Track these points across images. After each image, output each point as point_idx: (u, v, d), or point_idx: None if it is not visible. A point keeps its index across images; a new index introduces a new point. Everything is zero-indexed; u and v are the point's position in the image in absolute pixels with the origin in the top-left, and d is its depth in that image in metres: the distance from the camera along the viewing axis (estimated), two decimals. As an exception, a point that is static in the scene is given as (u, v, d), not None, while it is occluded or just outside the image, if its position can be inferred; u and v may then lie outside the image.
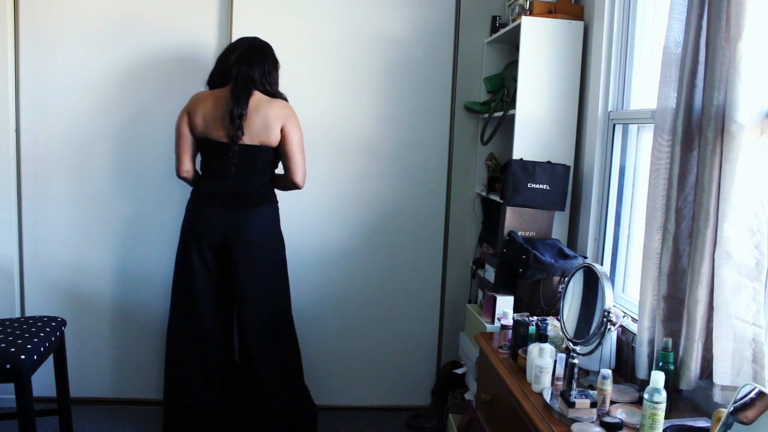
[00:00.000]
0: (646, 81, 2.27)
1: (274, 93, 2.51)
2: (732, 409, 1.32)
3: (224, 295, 2.57)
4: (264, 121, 2.41)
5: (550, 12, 2.53)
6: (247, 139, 2.41)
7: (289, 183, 2.55)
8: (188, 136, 2.49)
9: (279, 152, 2.50)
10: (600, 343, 1.72)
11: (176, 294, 2.58)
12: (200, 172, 2.59)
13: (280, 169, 2.59)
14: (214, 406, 2.60)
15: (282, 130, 2.44)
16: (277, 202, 2.59)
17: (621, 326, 1.99)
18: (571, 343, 1.77)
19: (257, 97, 2.44)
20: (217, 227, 2.47)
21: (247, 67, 2.43)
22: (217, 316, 2.57)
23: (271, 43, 2.55)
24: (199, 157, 2.59)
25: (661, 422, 1.46)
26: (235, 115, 2.36)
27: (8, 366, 2.05)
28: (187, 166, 2.52)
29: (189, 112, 2.47)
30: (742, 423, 1.29)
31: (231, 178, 2.45)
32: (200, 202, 2.49)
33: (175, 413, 2.61)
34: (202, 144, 2.49)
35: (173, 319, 2.59)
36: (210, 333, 2.55)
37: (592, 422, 1.56)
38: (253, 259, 2.49)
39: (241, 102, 2.37)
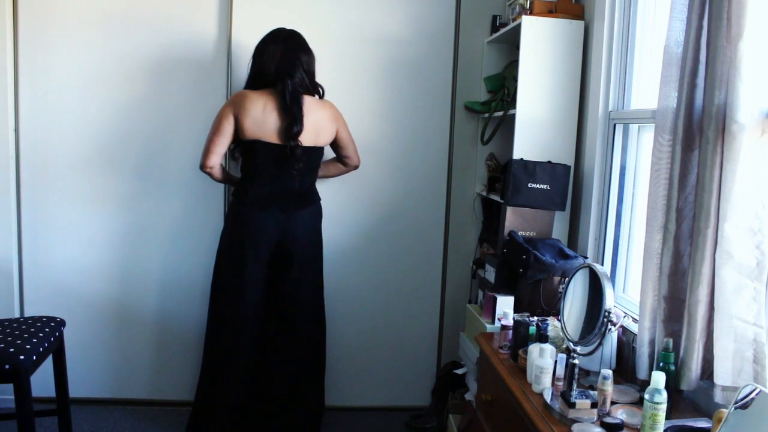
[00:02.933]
0: (647, 81, 2.26)
1: (315, 89, 2.56)
2: (733, 409, 1.32)
3: (269, 295, 2.62)
4: (317, 125, 2.49)
5: (551, 11, 2.52)
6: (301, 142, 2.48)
7: (350, 168, 2.77)
8: (230, 136, 2.47)
9: (334, 145, 2.68)
10: (600, 344, 1.72)
11: (224, 298, 2.58)
12: (242, 174, 2.58)
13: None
14: (242, 405, 2.65)
15: (336, 130, 2.61)
16: (320, 199, 2.70)
17: (621, 326, 1.99)
18: (571, 344, 1.77)
19: (305, 101, 2.48)
20: (274, 229, 2.51)
21: (292, 79, 2.43)
22: (260, 318, 2.61)
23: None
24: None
25: (661, 423, 1.45)
26: (294, 132, 2.42)
27: (7, 366, 2.05)
28: (214, 161, 2.50)
29: (236, 113, 2.44)
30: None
31: (287, 181, 2.49)
32: (254, 205, 2.49)
33: (208, 413, 2.62)
34: (250, 146, 2.47)
35: (218, 322, 2.60)
36: (254, 334, 2.60)
37: (593, 423, 1.56)
38: (306, 258, 2.60)
39: (298, 120, 2.42)
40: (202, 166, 2.52)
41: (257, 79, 2.50)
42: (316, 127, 2.49)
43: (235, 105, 2.45)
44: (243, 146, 2.50)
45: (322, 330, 2.76)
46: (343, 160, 2.73)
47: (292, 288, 2.60)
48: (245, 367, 2.61)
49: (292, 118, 2.42)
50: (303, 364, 2.67)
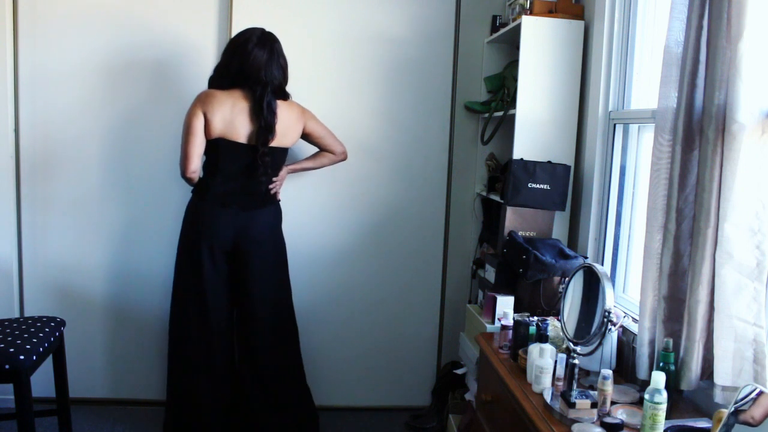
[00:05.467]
0: (647, 81, 2.26)
1: (284, 93, 2.53)
2: (733, 409, 1.32)
3: (229, 294, 2.59)
4: (282, 125, 2.47)
5: (551, 11, 2.52)
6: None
7: (338, 155, 2.73)
8: (202, 136, 2.43)
9: (312, 140, 2.68)
10: (600, 344, 1.72)
11: (182, 296, 2.56)
12: (204, 171, 2.55)
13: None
14: (220, 406, 2.61)
15: (304, 127, 2.60)
16: (279, 200, 2.66)
17: (621, 326, 1.99)
18: (571, 344, 1.77)
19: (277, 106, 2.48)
20: (230, 227, 2.49)
21: (272, 87, 2.43)
22: (223, 317, 2.58)
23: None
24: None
25: (661, 423, 1.45)
26: (268, 139, 2.43)
27: (7, 366, 2.05)
28: (195, 166, 2.46)
29: (205, 112, 2.41)
30: (749, 424, 1.29)
31: (250, 181, 2.47)
32: (213, 203, 2.48)
33: (181, 414, 2.60)
34: (214, 144, 2.45)
35: (179, 322, 2.58)
36: (218, 333, 2.57)
37: (593, 423, 1.56)
38: (263, 257, 2.55)
39: (271, 129, 2.43)
40: (184, 173, 2.47)
41: (231, 78, 2.45)
42: (282, 128, 2.47)
43: (204, 104, 2.42)
44: (208, 144, 2.46)
45: (293, 328, 2.71)
46: (327, 149, 2.71)
47: (252, 287, 2.55)
48: (212, 365, 2.56)
49: (265, 126, 2.41)
50: (273, 364, 2.62)
